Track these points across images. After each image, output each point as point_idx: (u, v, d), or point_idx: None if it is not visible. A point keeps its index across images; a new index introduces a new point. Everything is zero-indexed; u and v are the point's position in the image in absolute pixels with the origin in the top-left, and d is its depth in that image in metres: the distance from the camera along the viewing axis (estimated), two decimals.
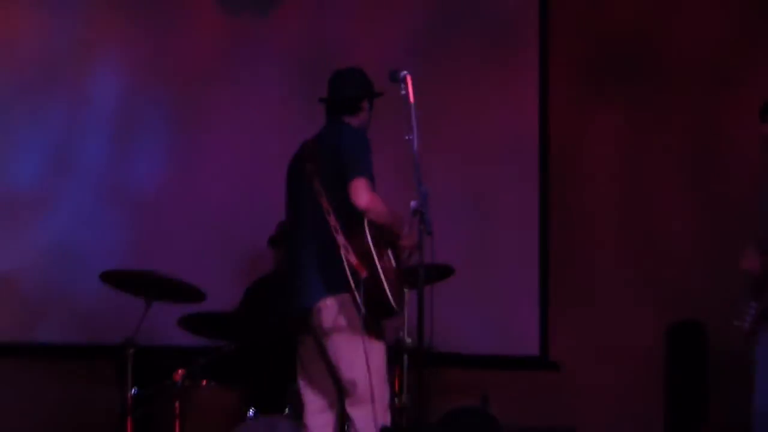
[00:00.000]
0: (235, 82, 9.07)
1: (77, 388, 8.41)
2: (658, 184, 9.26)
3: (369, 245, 6.32)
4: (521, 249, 9.19)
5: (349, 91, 6.68)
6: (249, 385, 7.76)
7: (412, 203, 6.18)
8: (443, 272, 7.54)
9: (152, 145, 8.93)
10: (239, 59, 9.09)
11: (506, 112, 9.25)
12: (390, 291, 6.31)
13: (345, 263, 6.28)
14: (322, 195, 6.42)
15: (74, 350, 8.53)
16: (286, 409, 7.56)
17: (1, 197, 8.77)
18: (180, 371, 7.59)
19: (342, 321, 6.40)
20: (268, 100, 8.98)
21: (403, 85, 6.37)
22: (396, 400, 7.10)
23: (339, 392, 6.52)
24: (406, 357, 7.20)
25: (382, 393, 6.45)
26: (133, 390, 7.47)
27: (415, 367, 6.68)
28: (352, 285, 6.29)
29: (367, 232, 6.31)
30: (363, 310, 6.31)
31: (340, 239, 6.32)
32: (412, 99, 6.39)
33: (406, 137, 6.25)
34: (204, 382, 7.66)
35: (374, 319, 6.41)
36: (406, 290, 6.65)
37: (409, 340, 6.71)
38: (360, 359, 6.36)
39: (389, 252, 6.42)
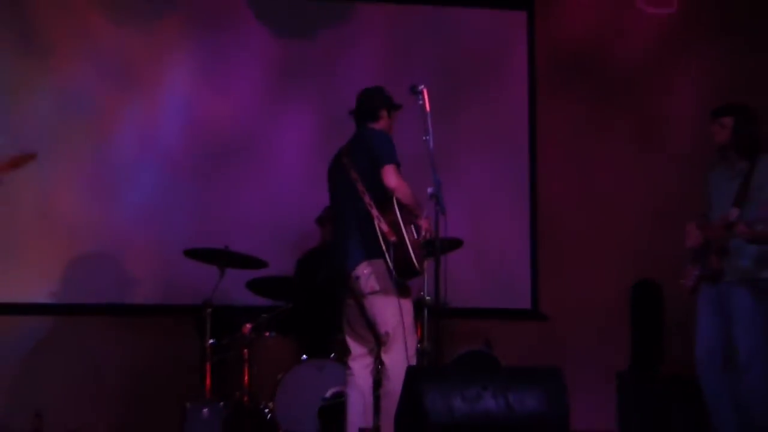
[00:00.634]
0: (290, 93, 8.93)
1: (166, 340, 8.33)
2: (616, 171, 9.31)
3: (397, 217, 6.36)
4: (516, 226, 9.17)
5: (368, 103, 6.68)
6: (302, 335, 7.78)
7: (429, 189, 6.29)
8: (454, 244, 7.50)
9: (222, 148, 8.79)
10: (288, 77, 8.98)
11: (499, 123, 9.25)
12: (414, 255, 6.32)
13: (378, 230, 6.32)
14: (358, 181, 6.45)
15: (163, 309, 8.47)
16: (332, 355, 7.58)
17: (99, 177, 8.59)
18: (248, 325, 7.63)
19: (377, 285, 6.40)
20: (314, 109, 8.88)
21: (420, 97, 6.43)
22: (419, 345, 7.08)
23: (377, 342, 6.52)
24: (426, 311, 7.18)
25: (410, 342, 6.45)
26: (210, 341, 7.50)
27: (433, 319, 6.66)
28: (384, 248, 6.32)
29: (396, 206, 6.35)
30: (393, 271, 6.33)
31: (374, 212, 6.36)
32: (428, 108, 6.43)
33: (424, 138, 6.34)
34: (267, 334, 7.69)
35: (402, 280, 6.41)
36: (425, 259, 6.63)
37: (428, 298, 6.70)
38: (393, 316, 6.39)
39: (412, 227, 6.42)
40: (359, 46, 9.02)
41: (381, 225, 6.35)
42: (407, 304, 6.47)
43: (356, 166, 6.51)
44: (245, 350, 7.53)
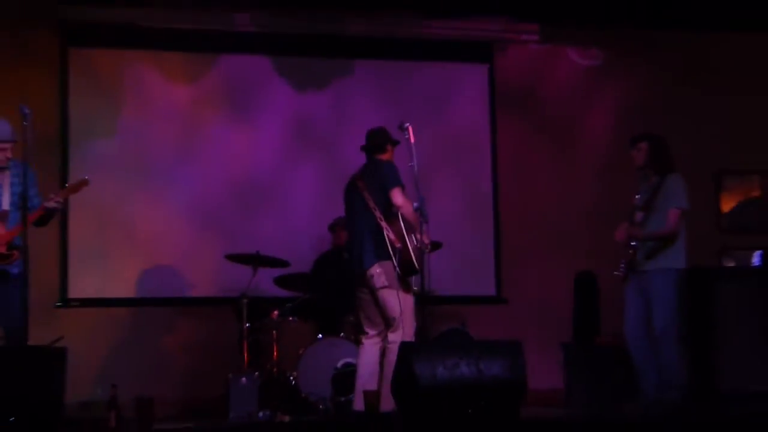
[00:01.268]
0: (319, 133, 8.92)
1: (213, 325, 8.31)
2: (560, 182, 9.27)
3: (401, 228, 6.41)
4: (483, 230, 9.12)
5: (376, 139, 6.72)
6: (318, 319, 7.76)
7: (415, 204, 6.36)
8: (435, 246, 7.47)
9: (253, 181, 8.73)
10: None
11: (467, 145, 9.22)
12: (414, 258, 6.38)
13: (386, 238, 6.38)
14: (370, 199, 6.50)
15: (211, 300, 8.42)
16: (341, 334, 7.59)
17: (166, 202, 8.54)
18: (275, 312, 7.66)
19: (386, 281, 6.44)
20: (324, 153, 8.85)
21: (406, 132, 6.49)
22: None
23: (386, 325, 6.55)
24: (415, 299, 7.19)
25: (410, 324, 6.51)
26: (246, 325, 7.48)
27: (420, 305, 6.67)
28: (391, 252, 6.37)
29: (401, 220, 6.40)
30: (398, 271, 6.38)
31: (383, 224, 6.43)
32: (413, 140, 6.47)
33: (410, 164, 6.41)
34: (290, 319, 7.68)
35: (405, 277, 6.47)
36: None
37: (416, 289, 6.71)
38: (398, 305, 6.43)
39: (412, 236, 6.45)
40: (359, 93, 8.97)
41: (389, 234, 6.40)
42: (409, 297, 6.52)
43: (369, 188, 6.54)
44: (273, 332, 7.53)
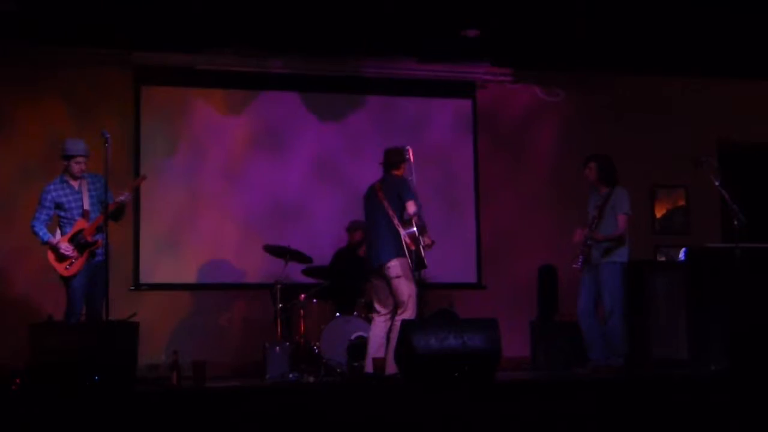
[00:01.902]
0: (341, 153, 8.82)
1: (254, 305, 8.31)
2: (528, 195, 9.17)
3: (415, 231, 6.40)
4: (467, 229, 9.03)
5: (393, 158, 6.69)
6: (335, 301, 7.70)
7: (414, 210, 6.39)
8: (429, 244, 7.44)
9: (286, 199, 8.68)
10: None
11: (456, 165, 9.11)
12: (424, 255, 6.41)
13: (402, 239, 6.39)
14: (389, 207, 6.49)
15: (252, 286, 8.36)
16: (354, 313, 7.55)
17: (223, 209, 8.52)
18: (302, 295, 7.61)
19: (400, 273, 6.44)
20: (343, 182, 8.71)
21: (407, 153, 6.54)
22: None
23: (395, 306, 6.55)
24: None
25: (413, 306, 6.49)
26: (279, 305, 7.46)
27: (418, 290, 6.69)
28: (406, 252, 6.40)
29: (414, 226, 6.39)
30: (412, 266, 6.41)
31: (399, 229, 6.42)
32: (412, 160, 6.47)
33: (409, 178, 6.44)
34: (314, 301, 7.62)
35: (416, 271, 6.47)
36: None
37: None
38: (406, 291, 6.45)
39: (422, 238, 6.45)
40: (370, 123, 8.91)
41: (405, 238, 6.41)
42: (414, 286, 6.51)
43: (387, 197, 6.54)
44: (301, 311, 7.51)
